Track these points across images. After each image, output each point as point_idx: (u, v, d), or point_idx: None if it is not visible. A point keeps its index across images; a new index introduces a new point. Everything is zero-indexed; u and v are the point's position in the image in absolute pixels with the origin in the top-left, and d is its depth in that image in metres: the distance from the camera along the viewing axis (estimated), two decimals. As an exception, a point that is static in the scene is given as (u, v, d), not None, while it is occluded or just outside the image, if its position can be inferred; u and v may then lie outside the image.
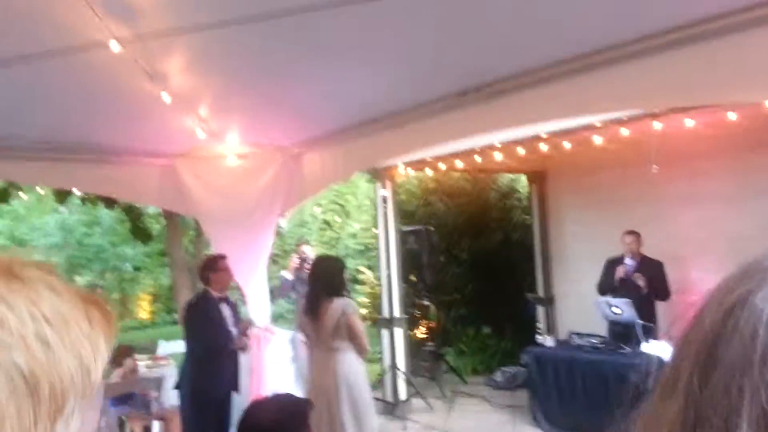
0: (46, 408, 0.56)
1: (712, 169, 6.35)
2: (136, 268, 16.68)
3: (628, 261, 6.34)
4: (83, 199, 8.36)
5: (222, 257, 5.22)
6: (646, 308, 6.05)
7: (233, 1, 2.77)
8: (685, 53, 2.91)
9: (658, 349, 5.64)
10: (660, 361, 5.53)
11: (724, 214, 6.35)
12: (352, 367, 4.43)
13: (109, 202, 7.86)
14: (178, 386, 5.34)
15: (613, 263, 6.47)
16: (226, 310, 5.14)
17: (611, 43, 3.13)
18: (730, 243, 6.24)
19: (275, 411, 2.22)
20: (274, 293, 7.29)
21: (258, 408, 2.32)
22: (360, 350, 4.42)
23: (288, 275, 7.85)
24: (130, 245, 14.67)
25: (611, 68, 3.18)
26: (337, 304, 4.36)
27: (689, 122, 4.89)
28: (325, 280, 4.49)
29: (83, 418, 0.61)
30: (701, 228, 6.50)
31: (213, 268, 5.16)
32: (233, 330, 5.15)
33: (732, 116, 4.56)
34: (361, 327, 4.47)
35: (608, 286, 6.40)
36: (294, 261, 7.74)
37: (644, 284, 6.16)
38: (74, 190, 5.38)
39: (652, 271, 6.24)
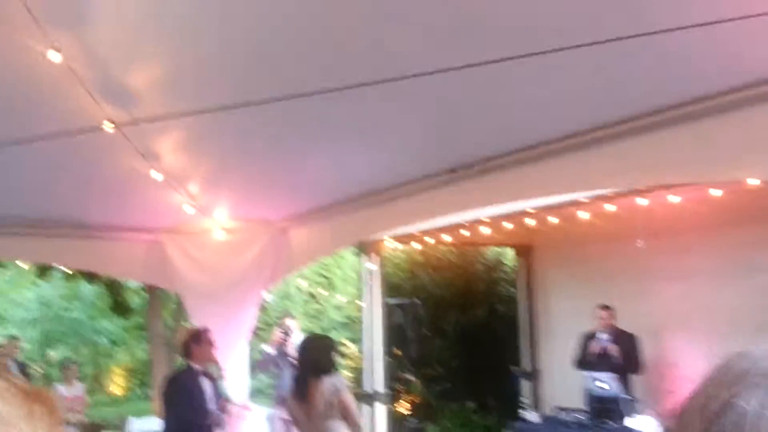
0: None
1: (696, 245, 6.43)
2: (113, 342, 16.27)
3: (601, 336, 6.39)
4: (66, 275, 8.23)
5: (206, 330, 5.10)
6: (621, 382, 6.05)
7: (226, 88, 2.83)
8: (672, 133, 3.00)
9: (643, 424, 5.58)
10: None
11: (709, 289, 6.38)
12: None
13: (91, 277, 7.73)
14: None
15: (588, 338, 6.53)
16: (206, 386, 4.99)
17: (599, 123, 3.22)
18: (715, 318, 6.26)
19: None
20: (255, 367, 7.12)
21: None
22: (354, 429, 4.29)
23: (270, 349, 7.67)
24: (108, 319, 14.36)
25: (600, 147, 3.26)
26: (328, 382, 4.24)
27: (674, 198, 4.99)
28: (313, 360, 4.38)
29: None
30: (686, 302, 6.52)
31: (197, 340, 5.01)
32: (212, 406, 4.99)
33: (716, 192, 4.66)
34: (354, 404, 4.36)
35: (584, 361, 6.45)
36: (277, 335, 7.58)
37: (618, 356, 6.20)
38: (58, 265, 5.29)
39: (626, 344, 6.28)
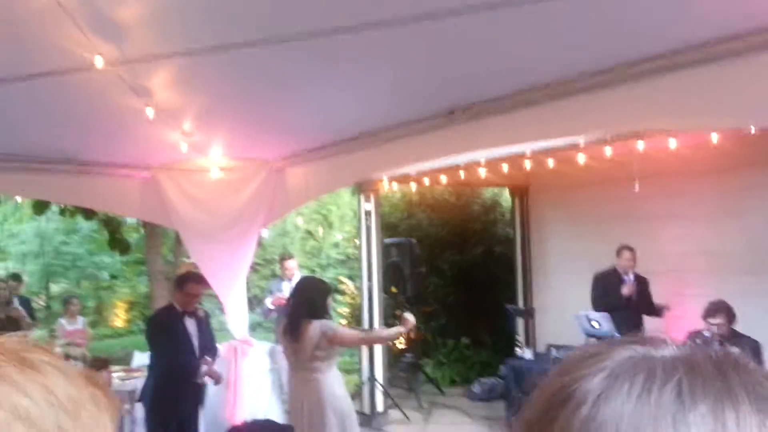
0: None
1: (691, 189, 6.44)
2: (113, 276, 16.44)
3: (628, 278, 6.25)
4: (62, 210, 8.22)
5: (195, 278, 5.08)
6: (636, 324, 5.98)
7: (220, 26, 2.76)
8: (670, 79, 2.95)
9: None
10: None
11: (701, 233, 6.43)
12: (335, 387, 4.39)
13: (89, 213, 7.74)
14: (140, 399, 5.26)
15: (605, 279, 6.35)
16: (191, 326, 5.02)
17: (597, 68, 3.16)
18: (708, 260, 6.32)
19: None
20: (254, 303, 7.22)
21: None
22: (366, 342, 4.37)
23: (271, 306, 7.66)
24: (107, 253, 14.46)
25: (596, 92, 3.21)
26: (315, 326, 4.31)
27: (672, 143, 4.96)
28: (307, 303, 4.43)
29: None
30: (679, 245, 6.58)
31: (181, 287, 5.01)
32: (197, 346, 5.02)
33: (714, 138, 4.63)
34: (347, 331, 4.47)
35: (610, 302, 6.15)
36: (279, 297, 7.49)
37: (641, 298, 6.12)
38: (55, 202, 5.29)
39: (644, 287, 6.21)
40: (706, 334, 5.05)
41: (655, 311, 6.18)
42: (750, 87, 2.75)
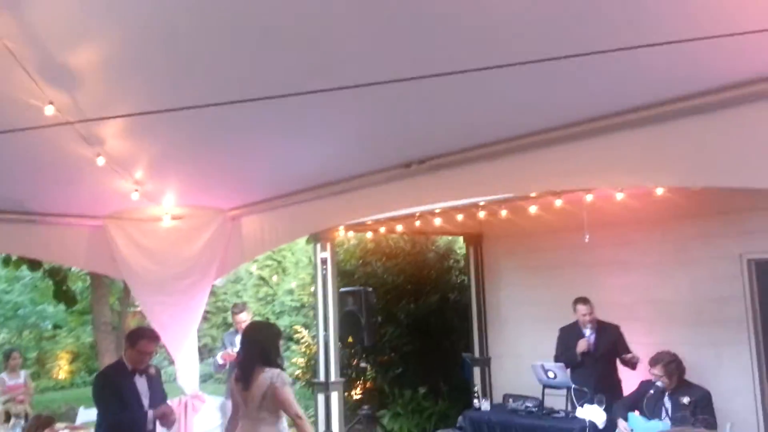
0: None
1: (638, 238, 6.59)
2: (57, 326, 15.81)
3: (587, 332, 6.11)
4: (5, 259, 7.89)
5: (148, 335, 4.82)
6: (602, 377, 5.92)
7: (176, 79, 2.74)
8: (616, 138, 3.06)
9: (592, 414, 5.63)
10: (593, 426, 5.57)
11: (649, 281, 6.55)
12: None
13: (34, 263, 7.44)
14: None
15: (567, 333, 6.23)
16: (141, 384, 4.78)
17: (545, 127, 3.25)
18: (656, 309, 6.43)
19: None
20: (204, 353, 6.97)
21: None
22: (297, 422, 4.20)
23: (221, 361, 7.41)
24: (51, 303, 13.95)
25: (549, 148, 3.30)
26: (267, 374, 4.18)
27: (619, 195, 5.12)
28: (259, 349, 4.30)
29: None
30: (628, 293, 6.67)
31: (133, 344, 4.71)
32: (146, 405, 4.78)
33: (658, 191, 4.80)
34: (291, 397, 4.24)
35: (567, 358, 6.10)
36: (228, 352, 7.27)
37: (606, 349, 6.02)
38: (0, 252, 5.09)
39: (611, 335, 6.03)
40: (658, 384, 5.13)
41: (626, 362, 5.97)
42: (692, 147, 2.87)
